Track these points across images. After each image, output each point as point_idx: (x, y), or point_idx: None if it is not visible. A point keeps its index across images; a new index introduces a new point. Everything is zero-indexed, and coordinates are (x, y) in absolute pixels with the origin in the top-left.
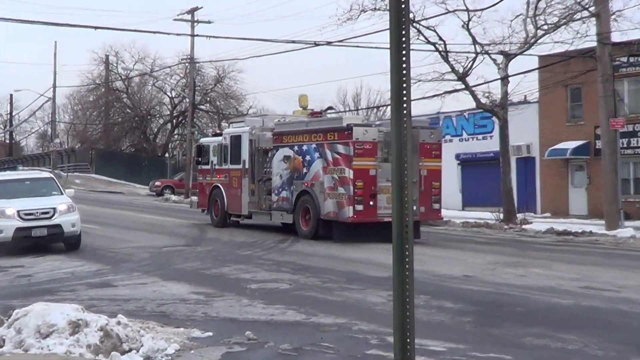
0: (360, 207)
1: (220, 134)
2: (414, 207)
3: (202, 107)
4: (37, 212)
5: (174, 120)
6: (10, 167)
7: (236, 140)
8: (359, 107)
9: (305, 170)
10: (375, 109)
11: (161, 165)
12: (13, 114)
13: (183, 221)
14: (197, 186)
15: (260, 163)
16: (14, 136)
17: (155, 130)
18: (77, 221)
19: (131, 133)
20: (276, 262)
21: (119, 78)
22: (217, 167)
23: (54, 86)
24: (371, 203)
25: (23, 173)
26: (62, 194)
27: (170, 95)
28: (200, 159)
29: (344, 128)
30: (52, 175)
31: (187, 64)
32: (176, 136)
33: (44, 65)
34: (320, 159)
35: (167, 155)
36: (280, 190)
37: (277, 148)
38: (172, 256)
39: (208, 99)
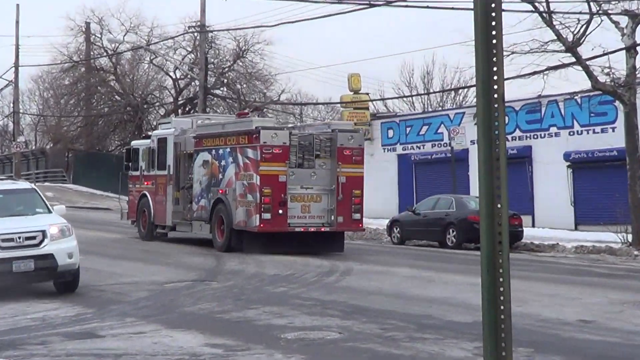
0: (267, 216)
1: (149, 137)
2: (332, 217)
3: (216, 91)
4: (18, 237)
5: (179, 110)
6: None
7: (162, 143)
8: (430, 90)
9: (221, 176)
10: (451, 93)
11: None
12: None
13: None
14: (128, 194)
15: (186, 169)
16: None
17: (154, 123)
18: (75, 250)
19: (121, 128)
20: (320, 301)
21: (105, 53)
22: (145, 173)
23: (16, 65)
24: (280, 211)
25: None
26: (49, 211)
27: (173, 77)
28: (129, 164)
29: (252, 131)
30: (34, 186)
31: (196, 34)
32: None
33: (2, 37)
34: (233, 164)
35: None
36: (199, 198)
37: (197, 152)
38: (178, 295)
39: (225, 80)
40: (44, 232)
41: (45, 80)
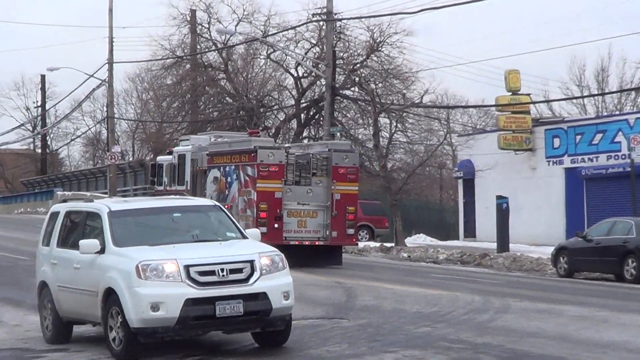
0: (264, 230)
1: (171, 153)
2: (327, 232)
3: (346, 92)
4: (221, 270)
5: (302, 115)
6: (44, 191)
7: (182, 159)
8: (605, 90)
9: (227, 192)
10: (631, 93)
11: None
12: (46, 106)
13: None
14: None
15: (202, 184)
16: (48, 143)
17: (273, 130)
18: (291, 288)
19: None
20: (471, 344)
21: (213, 47)
22: (167, 188)
23: (110, 62)
24: (276, 225)
25: (163, 200)
26: (243, 236)
27: (295, 74)
28: (154, 179)
29: (251, 150)
30: (217, 203)
31: (321, 23)
32: (305, 140)
33: (93, 29)
34: (236, 180)
35: None
36: None
37: (210, 169)
38: (304, 335)
39: (356, 79)
40: (252, 264)
41: (144, 80)
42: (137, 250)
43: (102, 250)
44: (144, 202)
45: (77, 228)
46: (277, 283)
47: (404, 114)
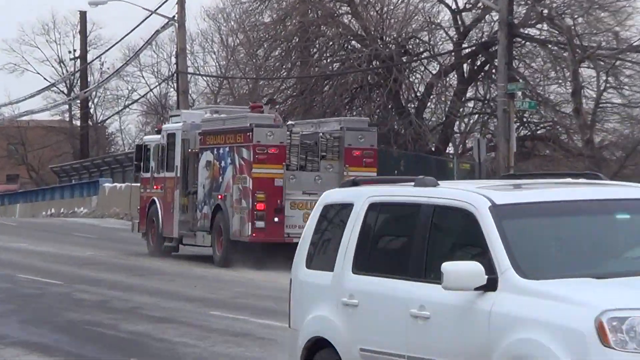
0: (260, 224)
1: (160, 131)
2: None
3: (530, 30)
4: None
5: (465, 66)
6: (85, 182)
7: (171, 140)
8: None
9: (221, 179)
10: None
11: (442, 171)
12: (88, 58)
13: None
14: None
15: (195, 170)
16: (90, 111)
17: (421, 91)
18: None
19: (363, 98)
20: None
21: None
22: (155, 175)
23: None
24: (276, 219)
25: (582, 186)
26: None
27: (453, 6)
28: (140, 163)
29: (246, 128)
30: None
31: None
32: (471, 104)
33: None
34: (231, 165)
35: (450, 150)
36: (202, 204)
37: (202, 151)
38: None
39: (545, 10)
40: None
41: (231, 17)
42: (580, 287)
43: (490, 284)
44: (553, 190)
45: (407, 238)
46: None
47: (618, 62)
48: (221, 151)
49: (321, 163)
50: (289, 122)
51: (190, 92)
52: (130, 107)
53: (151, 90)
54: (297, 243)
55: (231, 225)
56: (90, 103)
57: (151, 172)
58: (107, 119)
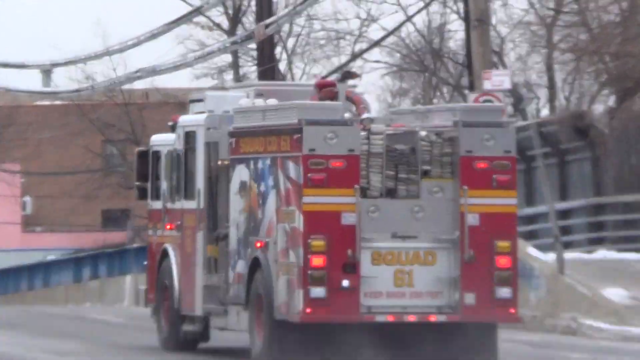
0: (319, 293)
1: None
2: (455, 295)
3: None
4: None
5: None
6: None
7: (190, 142)
8: None
9: (260, 214)
10: None
11: None
12: None
13: None
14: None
15: (226, 198)
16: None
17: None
18: None
19: None
20: None
21: None
22: (168, 205)
23: None
24: (345, 283)
25: None
26: None
27: None
28: (141, 184)
29: (291, 127)
30: None
31: None
32: None
33: None
34: (274, 190)
35: None
36: (236, 258)
37: (234, 165)
38: None
39: None
40: None
41: None
42: None
43: None
44: None
45: None
46: None
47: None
48: (260, 165)
49: (422, 184)
50: (365, 115)
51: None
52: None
53: (409, 19)
54: (387, 324)
55: (275, 295)
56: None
57: (163, 200)
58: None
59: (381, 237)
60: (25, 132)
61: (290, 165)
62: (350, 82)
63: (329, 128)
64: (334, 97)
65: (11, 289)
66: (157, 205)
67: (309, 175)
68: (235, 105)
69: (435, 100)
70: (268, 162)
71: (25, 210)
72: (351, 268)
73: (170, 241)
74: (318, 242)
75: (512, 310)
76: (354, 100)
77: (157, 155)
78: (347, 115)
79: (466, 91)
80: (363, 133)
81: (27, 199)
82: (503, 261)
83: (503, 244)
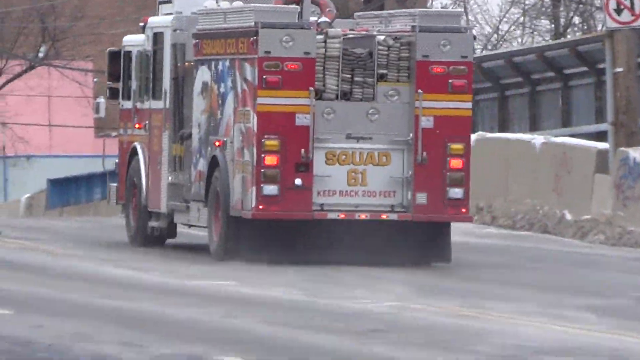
0: (272, 190)
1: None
2: (407, 195)
3: None
4: None
5: None
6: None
7: (159, 44)
8: None
9: (219, 114)
10: None
11: None
12: None
13: None
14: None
15: (190, 98)
16: None
17: None
18: None
19: None
20: None
21: None
22: (138, 105)
23: None
24: (298, 182)
25: None
26: None
27: None
28: (117, 84)
29: (249, 30)
30: None
31: None
32: None
33: None
34: (232, 91)
35: None
36: (198, 156)
37: (197, 66)
38: None
39: None
40: None
41: None
42: None
43: None
44: None
45: None
46: None
47: None
48: (220, 67)
49: (378, 88)
50: (322, 19)
51: None
52: None
53: None
54: (339, 221)
55: (231, 192)
56: None
57: (133, 100)
58: None
59: (335, 138)
60: (97, 26)
61: (247, 67)
62: None
63: (285, 31)
64: (299, 0)
65: (83, 198)
66: (128, 104)
67: (264, 77)
68: (202, 7)
69: None
70: (227, 63)
71: (99, 113)
72: (304, 167)
73: (139, 140)
74: (271, 142)
75: (464, 210)
76: (319, 3)
77: (128, 55)
78: (312, 18)
79: None
80: (320, 36)
81: (101, 100)
82: (456, 163)
83: (456, 146)
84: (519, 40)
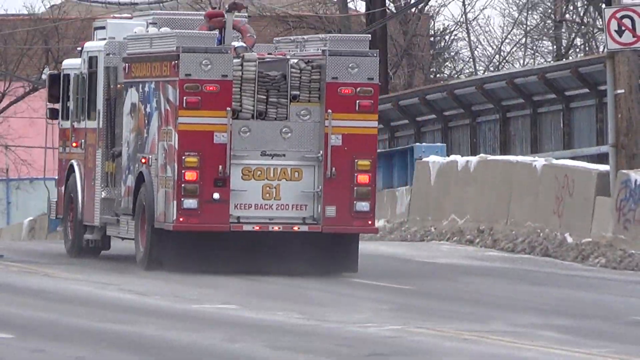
0: (191, 204)
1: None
2: (317, 208)
3: None
4: None
5: None
6: None
7: (93, 67)
8: None
9: (146, 133)
10: None
11: None
12: None
13: None
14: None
15: (120, 118)
16: None
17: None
18: None
19: None
20: None
21: None
22: (75, 124)
23: None
24: (216, 196)
25: None
26: None
27: None
28: (57, 105)
29: (172, 54)
30: None
31: None
32: None
33: None
34: (157, 111)
35: None
36: (127, 173)
37: (127, 88)
38: None
39: None
40: None
41: None
42: None
43: None
44: None
45: None
46: None
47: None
48: (146, 88)
49: (291, 108)
50: (238, 44)
51: None
52: None
53: None
54: (253, 233)
55: (156, 206)
56: None
57: (71, 120)
58: None
59: (251, 154)
60: None
61: (169, 89)
62: (237, 13)
63: (204, 55)
64: (222, 26)
65: None
66: (67, 124)
67: (185, 98)
68: (130, 29)
69: (567, 15)
70: (153, 85)
71: None
72: (222, 182)
73: (76, 158)
74: (191, 159)
75: (370, 222)
76: (241, 29)
77: (67, 78)
78: (234, 43)
79: (602, 5)
80: (237, 60)
81: None
82: (362, 178)
83: (363, 162)
84: (521, 61)
